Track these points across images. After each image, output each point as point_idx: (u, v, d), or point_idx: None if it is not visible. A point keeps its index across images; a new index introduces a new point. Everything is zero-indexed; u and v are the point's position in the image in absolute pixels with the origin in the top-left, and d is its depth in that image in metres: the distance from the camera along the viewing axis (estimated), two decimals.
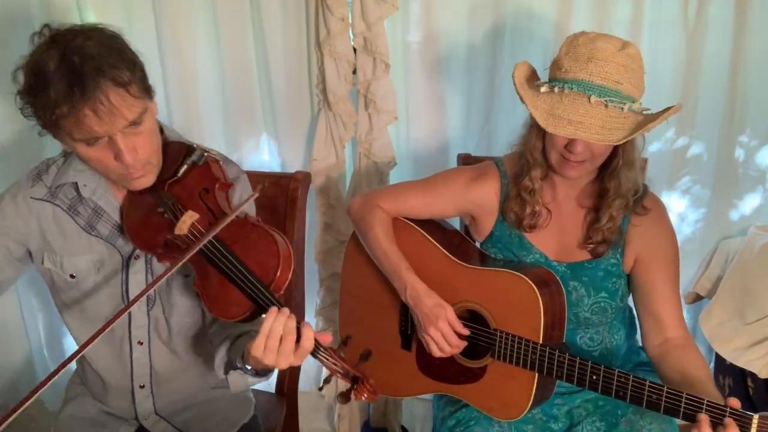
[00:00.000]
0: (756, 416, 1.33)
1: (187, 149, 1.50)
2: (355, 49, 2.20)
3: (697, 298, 2.54)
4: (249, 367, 1.41)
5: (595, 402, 1.74)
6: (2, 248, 1.52)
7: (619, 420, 1.67)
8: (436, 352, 1.68)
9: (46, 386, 1.25)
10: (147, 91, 1.39)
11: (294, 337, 1.31)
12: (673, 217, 1.75)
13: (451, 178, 1.80)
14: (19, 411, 1.22)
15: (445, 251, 1.74)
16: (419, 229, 1.79)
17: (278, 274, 1.36)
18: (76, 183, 1.52)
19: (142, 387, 1.64)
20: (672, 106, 1.50)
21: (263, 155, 2.44)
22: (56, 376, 1.26)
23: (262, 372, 1.41)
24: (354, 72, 2.24)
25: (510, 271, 1.63)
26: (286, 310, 1.32)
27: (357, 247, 1.89)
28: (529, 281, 1.58)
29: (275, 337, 1.30)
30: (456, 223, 2.00)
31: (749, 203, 2.44)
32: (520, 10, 2.21)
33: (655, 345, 1.67)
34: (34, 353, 2.53)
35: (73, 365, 1.78)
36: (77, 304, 1.58)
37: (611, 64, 1.45)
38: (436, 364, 1.76)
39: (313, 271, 2.45)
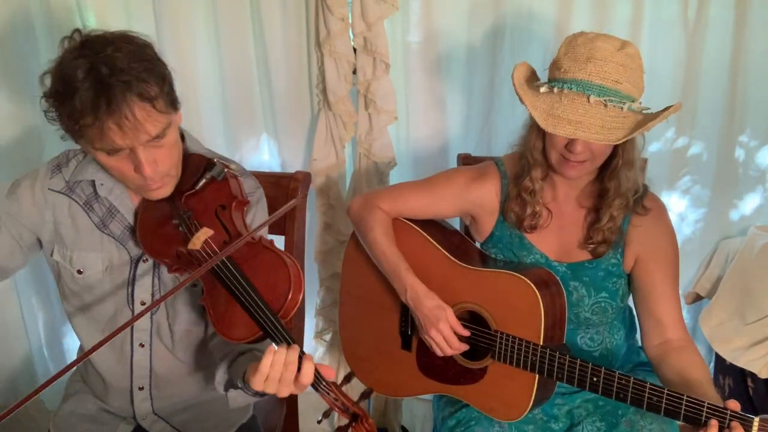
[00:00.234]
0: (756, 419, 1.33)
1: (208, 163, 1.50)
2: (355, 49, 2.20)
3: (697, 298, 2.54)
4: (249, 390, 1.41)
5: (595, 402, 1.74)
6: (15, 235, 1.53)
7: (620, 420, 1.67)
8: (439, 353, 1.68)
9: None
10: (173, 104, 1.39)
11: (295, 368, 1.30)
12: (673, 217, 1.75)
13: (451, 179, 1.80)
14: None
15: (445, 252, 1.74)
16: (419, 229, 1.78)
17: (288, 301, 1.36)
18: (93, 181, 1.52)
19: (141, 389, 1.64)
20: (672, 105, 1.50)
21: (263, 155, 2.44)
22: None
23: (262, 393, 1.41)
24: (354, 72, 2.24)
25: (510, 272, 1.63)
26: (282, 349, 1.32)
27: (357, 248, 1.89)
28: (530, 282, 1.58)
29: (276, 372, 1.30)
30: (456, 224, 2.00)
31: (749, 203, 2.44)
32: (520, 10, 2.20)
33: (655, 345, 1.67)
34: (34, 353, 2.53)
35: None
36: (81, 301, 1.58)
37: (610, 64, 1.45)
38: (436, 365, 1.76)
39: (313, 271, 2.45)
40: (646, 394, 1.44)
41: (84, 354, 1.28)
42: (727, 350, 2.27)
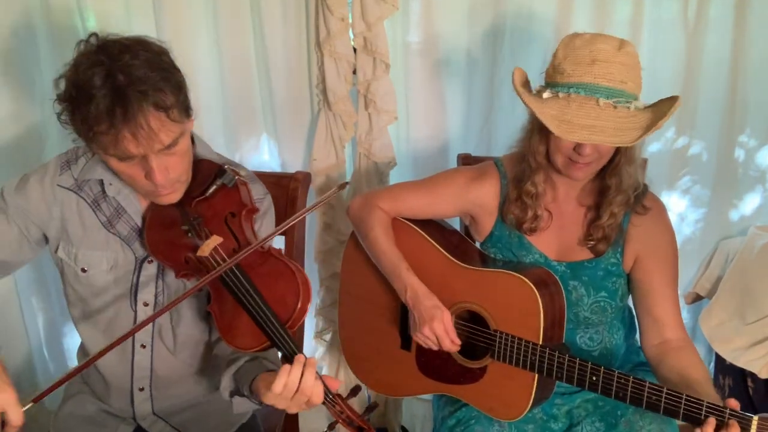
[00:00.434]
0: (756, 417, 1.33)
1: (219, 170, 1.50)
2: (355, 49, 2.20)
3: (697, 298, 2.54)
4: (256, 400, 1.42)
5: (594, 402, 1.74)
6: (23, 229, 1.53)
7: (619, 420, 1.67)
8: (434, 347, 1.69)
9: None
10: (187, 113, 1.39)
11: (309, 392, 1.31)
12: (673, 217, 1.75)
13: (451, 178, 1.80)
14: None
15: (444, 252, 1.74)
16: (419, 229, 1.79)
17: (296, 312, 1.37)
18: (102, 180, 1.52)
19: (141, 389, 1.64)
20: (673, 98, 1.50)
21: (263, 155, 2.44)
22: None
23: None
24: (354, 72, 2.24)
25: (509, 271, 1.63)
26: (301, 359, 1.32)
27: (356, 248, 1.89)
28: (529, 282, 1.58)
29: (289, 393, 1.30)
30: (456, 224, 2.00)
31: (749, 203, 2.44)
32: (520, 10, 2.21)
33: (653, 345, 1.67)
34: (34, 353, 2.53)
35: (73, 363, 1.79)
36: (83, 300, 1.58)
37: (614, 65, 1.45)
38: (435, 365, 1.76)
39: (313, 271, 2.45)
40: (645, 393, 1.44)
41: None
42: (727, 350, 2.27)
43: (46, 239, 1.56)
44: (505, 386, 1.65)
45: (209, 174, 1.50)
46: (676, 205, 2.43)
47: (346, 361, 2.00)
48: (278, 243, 1.62)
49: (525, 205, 1.68)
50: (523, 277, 1.59)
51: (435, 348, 1.68)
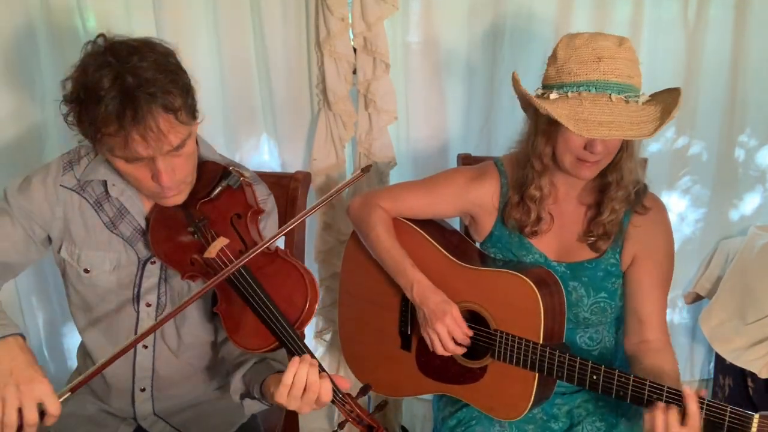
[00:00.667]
0: (756, 416, 1.33)
1: (223, 171, 1.50)
2: (355, 49, 2.20)
3: (697, 298, 2.54)
4: (267, 402, 1.42)
5: (595, 402, 1.74)
6: (28, 230, 1.52)
7: (619, 420, 1.68)
8: (440, 350, 1.68)
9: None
10: (194, 115, 1.40)
11: (317, 389, 1.31)
12: (673, 217, 1.75)
13: (451, 178, 1.80)
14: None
15: (444, 252, 1.74)
16: (419, 229, 1.79)
17: (304, 312, 1.38)
18: (105, 181, 1.52)
19: (142, 390, 1.64)
20: (673, 89, 1.52)
21: (263, 155, 2.44)
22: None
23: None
24: (354, 72, 2.24)
25: (510, 271, 1.63)
26: (307, 358, 1.32)
27: (356, 247, 1.89)
28: (529, 281, 1.58)
29: (299, 387, 1.30)
30: (456, 224, 2.00)
31: (749, 203, 2.45)
32: (520, 10, 2.21)
33: (633, 343, 1.68)
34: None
35: (73, 363, 1.79)
36: (86, 301, 1.59)
37: (620, 60, 1.46)
38: (435, 365, 1.76)
39: (313, 271, 2.44)
40: (646, 392, 1.44)
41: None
42: (727, 350, 2.27)
43: (50, 239, 1.56)
44: (505, 386, 1.65)
45: (214, 175, 1.51)
46: (676, 205, 2.43)
47: (346, 361, 2.00)
48: (278, 242, 1.62)
49: (528, 208, 1.67)
50: (524, 277, 1.59)
51: (447, 344, 1.66)
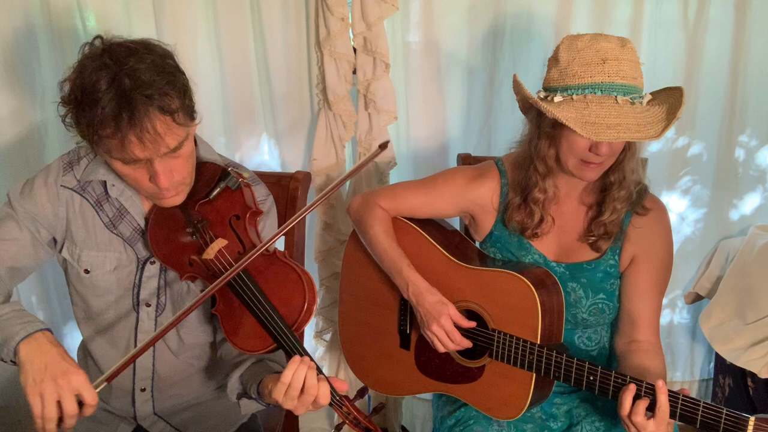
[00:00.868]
0: (752, 418, 1.33)
1: (222, 172, 1.51)
2: (355, 49, 2.20)
3: (697, 298, 2.54)
4: (263, 402, 1.42)
5: (594, 402, 1.74)
6: (35, 233, 1.53)
7: (618, 420, 1.67)
8: (440, 348, 1.68)
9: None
10: (191, 116, 1.40)
11: (315, 392, 1.31)
12: (673, 217, 1.75)
13: (451, 178, 1.80)
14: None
15: (444, 251, 1.74)
16: (418, 229, 1.79)
17: (302, 314, 1.38)
18: (104, 181, 1.52)
19: (143, 390, 1.65)
20: (674, 88, 1.52)
21: (263, 155, 2.44)
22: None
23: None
24: (354, 72, 2.24)
25: (508, 271, 1.63)
26: (306, 360, 1.32)
27: (356, 247, 1.89)
28: (528, 282, 1.58)
29: (296, 387, 1.30)
30: (456, 223, 2.00)
31: (749, 203, 2.45)
32: (520, 10, 2.21)
33: (623, 342, 1.69)
34: None
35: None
36: (86, 300, 1.59)
37: (623, 62, 1.45)
38: (434, 364, 1.77)
39: (313, 271, 2.45)
40: (642, 393, 1.44)
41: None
42: (727, 350, 2.27)
43: (55, 240, 1.57)
44: (503, 386, 1.65)
45: (213, 177, 1.51)
46: (676, 205, 2.43)
47: (346, 361, 2.00)
48: (278, 243, 1.62)
49: (531, 211, 1.67)
50: (522, 277, 1.59)
51: (446, 344, 1.66)
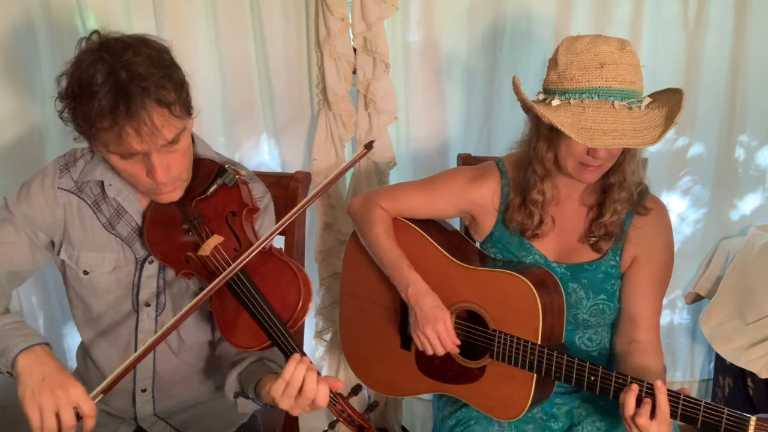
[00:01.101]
0: (753, 418, 1.33)
1: (219, 169, 1.51)
2: (355, 49, 2.20)
3: (697, 298, 2.54)
4: (260, 402, 1.42)
5: (595, 402, 1.74)
6: (32, 237, 1.53)
7: (619, 420, 1.67)
8: (429, 351, 1.68)
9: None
10: (188, 110, 1.40)
11: (313, 395, 1.30)
12: (673, 217, 1.75)
13: (452, 178, 1.80)
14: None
15: (444, 252, 1.74)
16: (419, 229, 1.79)
17: (297, 311, 1.38)
18: (102, 181, 1.52)
19: (143, 391, 1.64)
20: (673, 90, 1.52)
21: (263, 155, 2.44)
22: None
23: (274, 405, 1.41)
24: (354, 72, 2.24)
25: (509, 271, 1.63)
26: (307, 360, 1.32)
27: (357, 247, 1.89)
28: (528, 282, 1.58)
29: (295, 385, 1.30)
30: (456, 224, 2.00)
31: (749, 203, 2.45)
32: (520, 10, 2.21)
33: (623, 342, 1.69)
34: None
35: (74, 363, 1.79)
36: (85, 302, 1.59)
37: (622, 66, 1.44)
38: (435, 364, 1.76)
39: (313, 271, 2.45)
40: (644, 394, 1.44)
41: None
42: (727, 350, 2.27)
43: (53, 243, 1.57)
44: (503, 386, 1.65)
45: (210, 173, 1.51)
46: (677, 205, 2.43)
47: (346, 361, 2.00)
48: (278, 243, 1.63)
49: (531, 212, 1.67)
50: (523, 278, 1.59)
51: (436, 348, 1.67)
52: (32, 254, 1.53)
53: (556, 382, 1.62)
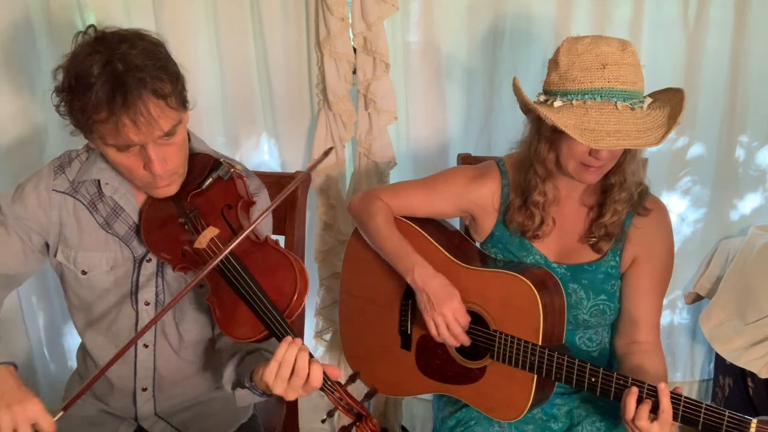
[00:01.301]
0: (754, 420, 1.33)
1: (214, 163, 1.51)
2: (355, 49, 2.20)
3: (697, 298, 2.54)
4: (257, 390, 1.42)
5: (595, 402, 1.74)
6: (25, 239, 1.53)
7: (619, 420, 1.67)
8: (445, 335, 1.64)
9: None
10: (183, 103, 1.41)
11: (305, 375, 1.31)
12: (673, 217, 1.75)
13: (452, 177, 1.80)
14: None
15: (445, 252, 1.74)
16: (419, 229, 1.79)
17: (293, 301, 1.37)
18: (98, 180, 1.52)
19: (144, 390, 1.65)
20: (674, 89, 1.52)
21: (263, 155, 2.44)
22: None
23: (270, 392, 1.41)
24: (354, 72, 2.24)
25: (509, 272, 1.63)
26: (299, 341, 1.32)
27: (357, 247, 1.89)
28: (529, 283, 1.58)
29: (288, 366, 1.30)
30: (456, 224, 2.00)
31: (749, 203, 2.45)
32: (520, 10, 2.21)
33: (624, 343, 1.69)
34: (35, 353, 2.53)
35: (74, 363, 1.79)
36: (85, 303, 1.59)
37: (624, 66, 1.44)
38: (435, 365, 1.77)
39: (313, 271, 2.45)
40: (644, 395, 1.44)
41: (108, 363, 1.31)
42: (727, 350, 2.27)
43: (48, 246, 1.57)
44: (504, 387, 1.65)
45: (205, 167, 1.52)
46: (677, 205, 2.43)
47: (346, 361, 2.00)
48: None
49: (532, 213, 1.67)
50: (523, 278, 1.59)
51: (452, 327, 1.63)
52: (24, 257, 1.54)
53: (556, 383, 1.62)
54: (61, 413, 1.30)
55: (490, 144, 2.38)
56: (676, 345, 2.66)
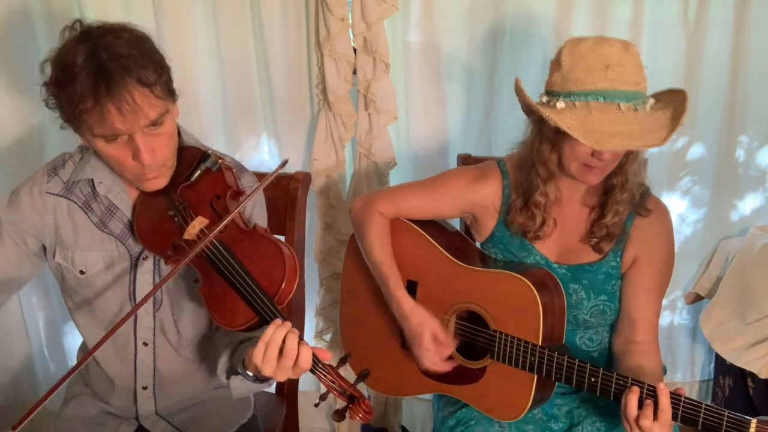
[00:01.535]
0: (754, 420, 1.33)
1: (202, 155, 1.52)
2: (355, 49, 2.20)
3: (697, 298, 2.54)
4: (249, 374, 1.41)
5: (595, 402, 1.74)
6: (21, 243, 1.53)
7: (619, 420, 1.67)
8: (431, 368, 1.71)
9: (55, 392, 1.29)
10: (170, 94, 1.41)
11: (294, 356, 1.30)
12: (673, 218, 1.75)
13: (452, 178, 1.80)
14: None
15: (445, 252, 1.74)
16: (420, 230, 1.79)
17: (283, 286, 1.38)
18: (92, 179, 1.53)
19: (144, 388, 1.65)
20: (676, 90, 1.52)
21: (263, 155, 2.44)
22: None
23: (263, 378, 1.41)
24: (354, 72, 2.24)
25: (509, 272, 1.63)
26: (288, 324, 1.32)
27: (357, 247, 1.89)
28: (529, 283, 1.58)
29: (275, 346, 1.29)
30: (456, 224, 2.00)
31: (749, 203, 2.45)
32: (520, 10, 2.20)
33: (621, 342, 1.70)
34: (35, 353, 2.53)
35: (72, 365, 1.79)
36: (86, 303, 1.59)
37: (627, 67, 1.44)
38: None
39: (313, 271, 2.45)
40: (644, 395, 1.44)
41: (89, 351, 1.32)
42: (727, 350, 2.27)
43: (45, 249, 1.57)
44: (504, 387, 1.65)
45: (193, 159, 1.53)
46: (677, 205, 2.43)
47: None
48: None
49: (533, 214, 1.67)
50: (524, 278, 1.59)
51: (437, 367, 1.70)
52: (19, 261, 1.55)
53: (556, 383, 1.62)
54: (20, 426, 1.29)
55: (490, 144, 2.37)
56: (676, 345, 2.66)
